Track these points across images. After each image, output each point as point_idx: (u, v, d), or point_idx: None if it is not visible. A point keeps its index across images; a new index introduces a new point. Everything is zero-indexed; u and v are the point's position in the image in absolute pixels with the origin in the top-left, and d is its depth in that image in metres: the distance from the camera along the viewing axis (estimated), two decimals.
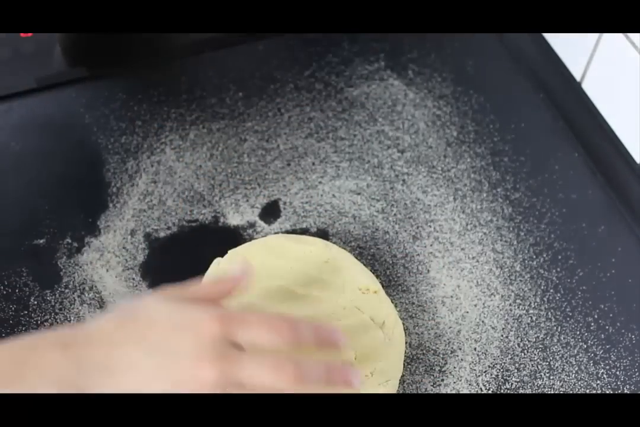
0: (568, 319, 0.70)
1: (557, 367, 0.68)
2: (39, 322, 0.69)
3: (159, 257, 0.74)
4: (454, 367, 0.68)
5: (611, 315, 0.70)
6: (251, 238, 0.74)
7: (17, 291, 0.71)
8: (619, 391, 0.67)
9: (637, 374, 0.67)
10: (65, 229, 0.75)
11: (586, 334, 0.70)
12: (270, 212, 0.77)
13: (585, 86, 0.84)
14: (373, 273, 0.69)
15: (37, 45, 0.86)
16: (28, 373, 0.49)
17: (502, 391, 0.66)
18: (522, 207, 0.77)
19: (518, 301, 0.71)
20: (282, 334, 0.50)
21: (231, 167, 0.79)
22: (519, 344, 0.69)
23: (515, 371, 0.68)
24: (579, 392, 0.66)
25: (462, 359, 0.68)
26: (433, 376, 0.67)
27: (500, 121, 0.83)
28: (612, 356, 0.68)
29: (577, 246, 0.74)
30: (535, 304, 0.71)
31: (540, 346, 0.69)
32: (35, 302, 0.70)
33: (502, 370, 0.68)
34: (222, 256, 0.69)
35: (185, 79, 0.86)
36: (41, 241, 0.74)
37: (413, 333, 0.69)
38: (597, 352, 0.69)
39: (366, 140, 0.82)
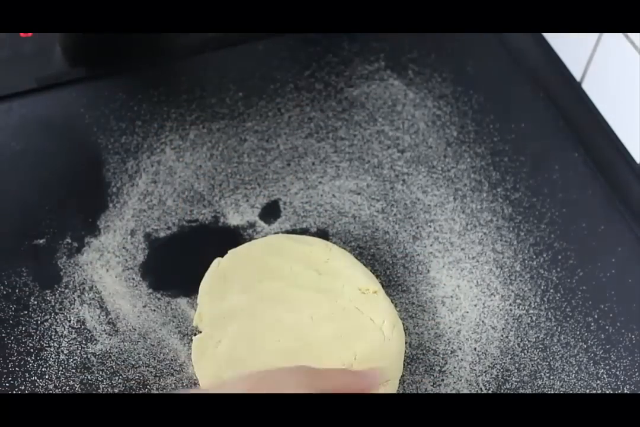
0: (568, 319, 0.70)
1: (557, 367, 0.68)
2: (39, 322, 0.69)
3: (159, 257, 0.74)
4: (454, 367, 0.68)
5: (611, 315, 0.70)
6: (251, 238, 0.74)
7: (17, 291, 0.71)
8: (619, 391, 0.66)
9: (637, 374, 0.67)
10: (65, 229, 0.75)
11: (586, 334, 0.70)
12: (270, 212, 0.77)
13: (585, 86, 0.84)
14: (373, 273, 0.69)
15: (37, 45, 0.86)
16: None
17: (502, 391, 0.66)
18: (522, 207, 0.77)
19: (518, 301, 0.71)
20: None
21: (231, 167, 0.79)
22: (519, 344, 0.69)
23: (515, 371, 0.68)
24: (579, 392, 0.66)
25: (462, 359, 0.68)
26: (433, 376, 0.67)
27: (500, 121, 0.83)
28: (612, 356, 0.68)
29: (577, 246, 0.74)
30: (535, 304, 0.71)
31: (540, 346, 0.69)
32: (35, 302, 0.70)
33: (502, 370, 0.68)
34: (222, 256, 0.69)
35: (185, 79, 0.86)
36: (41, 241, 0.74)
37: (413, 333, 0.69)
38: (597, 352, 0.69)
39: (366, 140, 0.82)
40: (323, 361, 0.62)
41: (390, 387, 0.63)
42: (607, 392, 0.66)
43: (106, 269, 0.72)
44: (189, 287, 0.70)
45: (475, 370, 0.67)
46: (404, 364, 0.66)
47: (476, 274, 0.73)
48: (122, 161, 0.79)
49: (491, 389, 0.67)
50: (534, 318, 0.70)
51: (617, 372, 0.67)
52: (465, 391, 0.66)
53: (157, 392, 0.65)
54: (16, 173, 0.79)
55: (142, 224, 0.75)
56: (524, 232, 0.75)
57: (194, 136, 0.81)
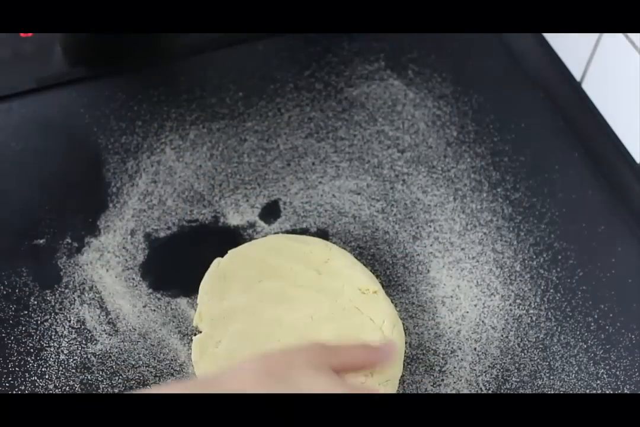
0: (568, 319, 0.70)
1: (557, 367, 0.68)
2: (39, 322, 0.69)
3: (159, 257, 0.74)
4: (454, 367, 0.68)
5: (611, 315, 0.70)
6: (251, 238, 0.74)
7: (17, 291, 0.71)
8: (619, 391, 0.67)
9: (637, 374, 0.67)
10: (65, 229, 0.75)
11: (586, 334, 0.70)
12: (270, 212, 0.77)
13: (585, 86, 0.84)
14: (373, 273, 0.69)
15: (37, 45, 0.86)
16: None
17: (502, 391, 0.66)
18: (522, 207, 0.77)
19: (518, 301, 0.71)
20: None
21: (231, 167, 0.79)
22: (519, 344, 0.69)
23: (515, 371, 0.68)
24: (579, 392, 0.66)
25: (462, 359, 0.68)
26: (433, 376, 0.67)
27: (500, 121, 0.83)
28: (612, 356, 0.68)
29: (577, 246, 0.74)
30: (535, 304, 0.71)
31: (540, 346, 0.69)
32: (35, 302, 0.70)
33: (502, 370, 0.68)
34: (222, 256, 0.69)
35: (185, 79, 0.86)
36: (41, 241, 0.74)
37: (413, 333, 0.69)
38: (597, 352, 0.69)
39: (366, 140, 0.82)
40: None
41: (390, 387, 0.63)
42: (607, 392, 0.66)
43: (106, 269, 0.72)
44: (189, 287, 0.70)
45: (475, 370, 0.67)
46: (404, 364, 0.66)
47: (476, 274, 0.73)
48: (122, 161, 0.79)
49: (491, 389, 0.67)
50: (534, 318, 0.70)
51: (617, 372, 0.67)
52: (465, 391, 0.66)
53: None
54: (16, 173, 0.79)
55: (142, 224, 0.75)
56: (524, 232, 0.75)
57: (194, 136, 0.81)
